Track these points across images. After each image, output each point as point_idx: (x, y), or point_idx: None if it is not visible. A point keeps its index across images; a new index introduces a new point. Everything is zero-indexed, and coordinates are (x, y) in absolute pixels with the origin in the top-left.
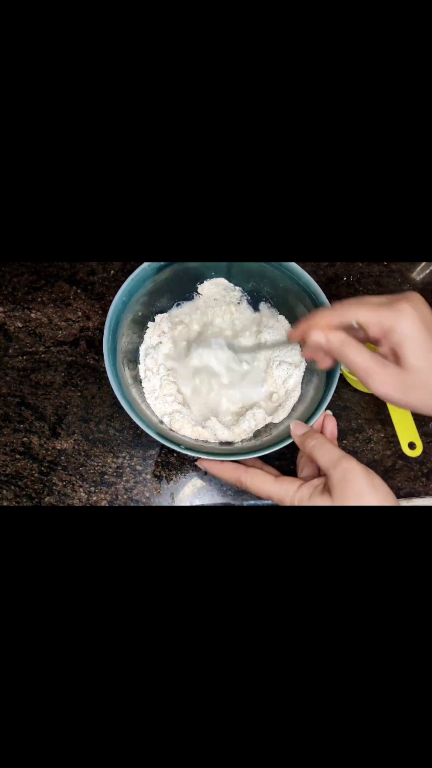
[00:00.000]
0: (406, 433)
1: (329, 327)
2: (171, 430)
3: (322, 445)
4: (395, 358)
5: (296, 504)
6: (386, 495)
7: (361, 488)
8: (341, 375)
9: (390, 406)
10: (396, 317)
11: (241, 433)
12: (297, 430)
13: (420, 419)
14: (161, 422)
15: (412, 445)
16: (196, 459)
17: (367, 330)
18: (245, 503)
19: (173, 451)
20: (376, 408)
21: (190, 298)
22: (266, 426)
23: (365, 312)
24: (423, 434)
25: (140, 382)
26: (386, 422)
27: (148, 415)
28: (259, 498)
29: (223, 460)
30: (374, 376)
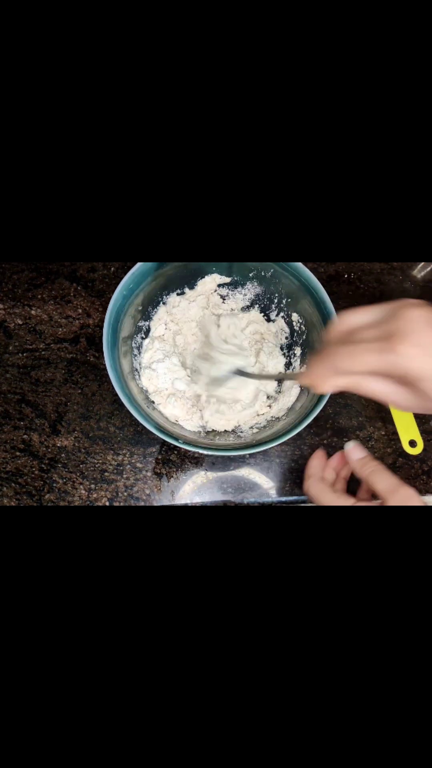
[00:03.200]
0: (407, 431)
1: (335, 378)
2: (176, 422)
3: (380, 472)
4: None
5: None
6: None
7: None
8: None
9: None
10: (400, 362)
11: (240, 419)
12: (354, 454)
13: (420, 417)
14: (153, 401)
15: (412, 443)
16: (198, 455)
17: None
18: (246, 501)
19: (174, 448)
20: (377, 405)
21: (189, 292)
22: (269, 420)
23: (366, 363)
24: (423, 432)
25: (138, 373)
26: (387, 420)
27: (147, 410)
28: (260, 487)
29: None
30: (393, 403)
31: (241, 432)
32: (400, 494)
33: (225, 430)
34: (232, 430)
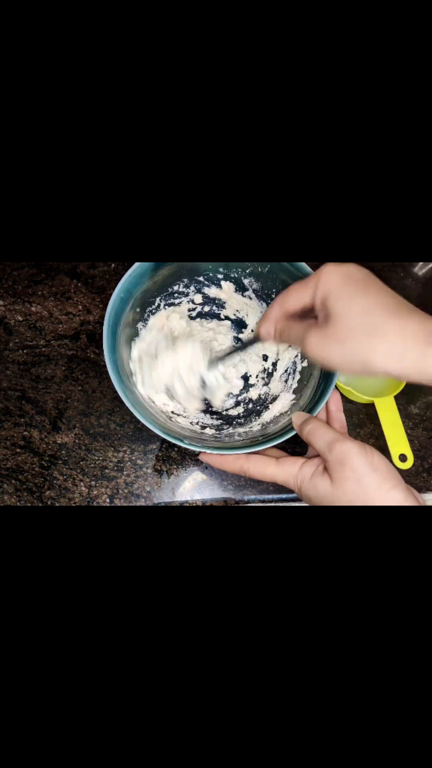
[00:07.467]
0: (397, 445)
1: (276, 320)
2: (173, 415)
3: (317, 429)
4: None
5: (299, 485)
6: (387, 473)
7: (358, 469)
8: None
9: (381, 419)
10: (317, 278)
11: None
12: (297, 419)
13: (415, 420)
14: (153, 401)
15: (402, 458)
16: (198, 453)
17: (311, 307)
18: (246, 498)
19: (174, 445)
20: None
21: (189, 289)
22: (270, 418)
23: (297, 293)
24: (424, 429)
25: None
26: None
27: (147, 408)
28: (261, 484)
29: (223, 455)
30: (304, 342)
31: (242, 430)
32: (336, 450)
33: (220, 418)
34: (232, 425)
